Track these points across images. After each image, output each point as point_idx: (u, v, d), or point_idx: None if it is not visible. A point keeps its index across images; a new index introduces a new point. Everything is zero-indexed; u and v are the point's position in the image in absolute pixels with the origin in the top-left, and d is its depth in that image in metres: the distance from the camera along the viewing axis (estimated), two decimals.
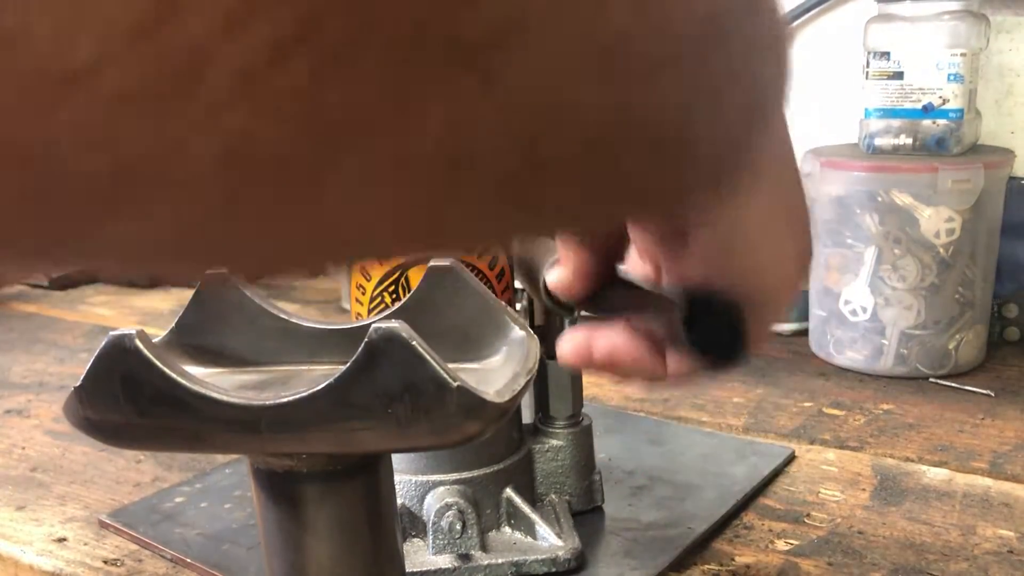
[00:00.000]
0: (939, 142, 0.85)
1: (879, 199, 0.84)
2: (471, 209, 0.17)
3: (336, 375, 0.30)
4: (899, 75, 0.86)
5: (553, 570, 0.55)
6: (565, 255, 0.39)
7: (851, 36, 0.93)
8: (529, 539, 0.57)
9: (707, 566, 0.57)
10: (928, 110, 0.86)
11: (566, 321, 0.56)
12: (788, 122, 0.31)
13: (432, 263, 0.40)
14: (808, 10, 1.04)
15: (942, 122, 0.86)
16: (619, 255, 0.39)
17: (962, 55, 0.84)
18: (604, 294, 0.39)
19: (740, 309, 0.34)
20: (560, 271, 0.39)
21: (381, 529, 0.38)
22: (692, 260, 0.33)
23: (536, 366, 0.36)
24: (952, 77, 0.85)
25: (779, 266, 0.35)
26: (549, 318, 0.58)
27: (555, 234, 0.32)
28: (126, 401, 0.32)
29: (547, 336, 0.56)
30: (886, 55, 0.86)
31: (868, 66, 0.88)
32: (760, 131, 0.26)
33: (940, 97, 0.85)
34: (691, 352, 0.35)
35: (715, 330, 0.34)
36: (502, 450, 0.59)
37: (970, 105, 0.87)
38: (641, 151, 0.19)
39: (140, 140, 0.14)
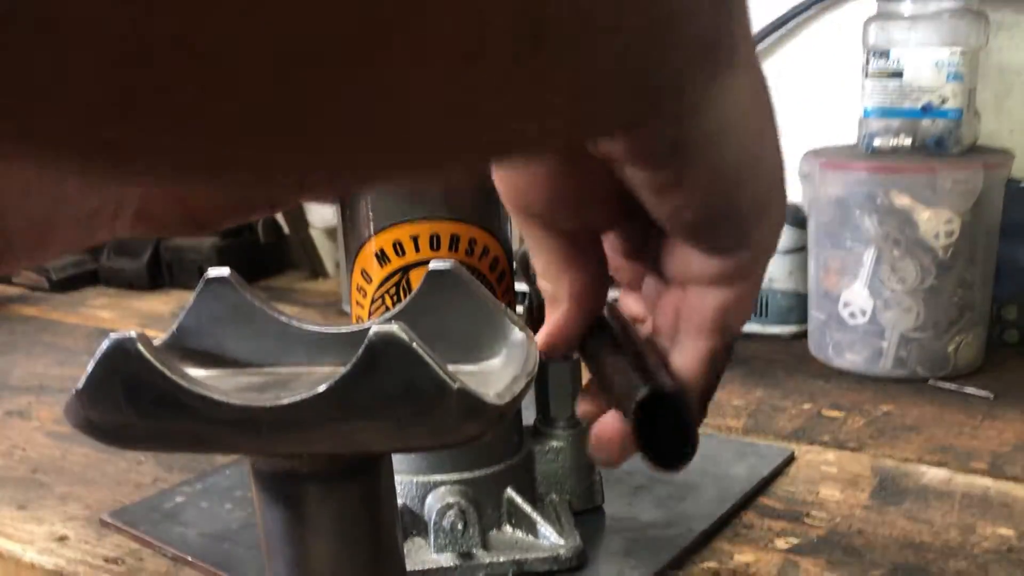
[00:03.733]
0: (938, 142, 0.85)
1: (878, 200, 0.84)
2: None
3: (336, 377, 0.31)
4: (898, 74, 0.86)
5: (555, 568, 0.56)
6: (549, 312, 0.40)
7: (851, 35, 0.93)
8: (530, 538, 0.57)
9: (707, 564, 0.57)
10: (927, 110, 0.86)
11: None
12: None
13: (432, 265, 0.40)
14: (807, 9, 1.04)
15: (941, 122, 0.86)
16: (602, 296, 0.40)
17: (962, 53, 0.84)
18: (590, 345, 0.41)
19: (688, 410, 0.36)
20: (546, 329, 0.40)
21: (382, 529, 0.38)
22: (684, 189, 0.32)
23: (536, 368, 0.36)
24: (951, 76, 0.85)
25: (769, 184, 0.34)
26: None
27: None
28: (127, 403, 0.32)
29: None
30: (885, 54, 0.86)
31: (868, 65, 0.88)
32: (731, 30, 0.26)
33: (939, 96, 0.85)
34: (643, 453, 0.37)
35: (663, 437, 0.36)
36: (503, 451, 0.59)
37: (969, 105, 0.87)
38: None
39: None
